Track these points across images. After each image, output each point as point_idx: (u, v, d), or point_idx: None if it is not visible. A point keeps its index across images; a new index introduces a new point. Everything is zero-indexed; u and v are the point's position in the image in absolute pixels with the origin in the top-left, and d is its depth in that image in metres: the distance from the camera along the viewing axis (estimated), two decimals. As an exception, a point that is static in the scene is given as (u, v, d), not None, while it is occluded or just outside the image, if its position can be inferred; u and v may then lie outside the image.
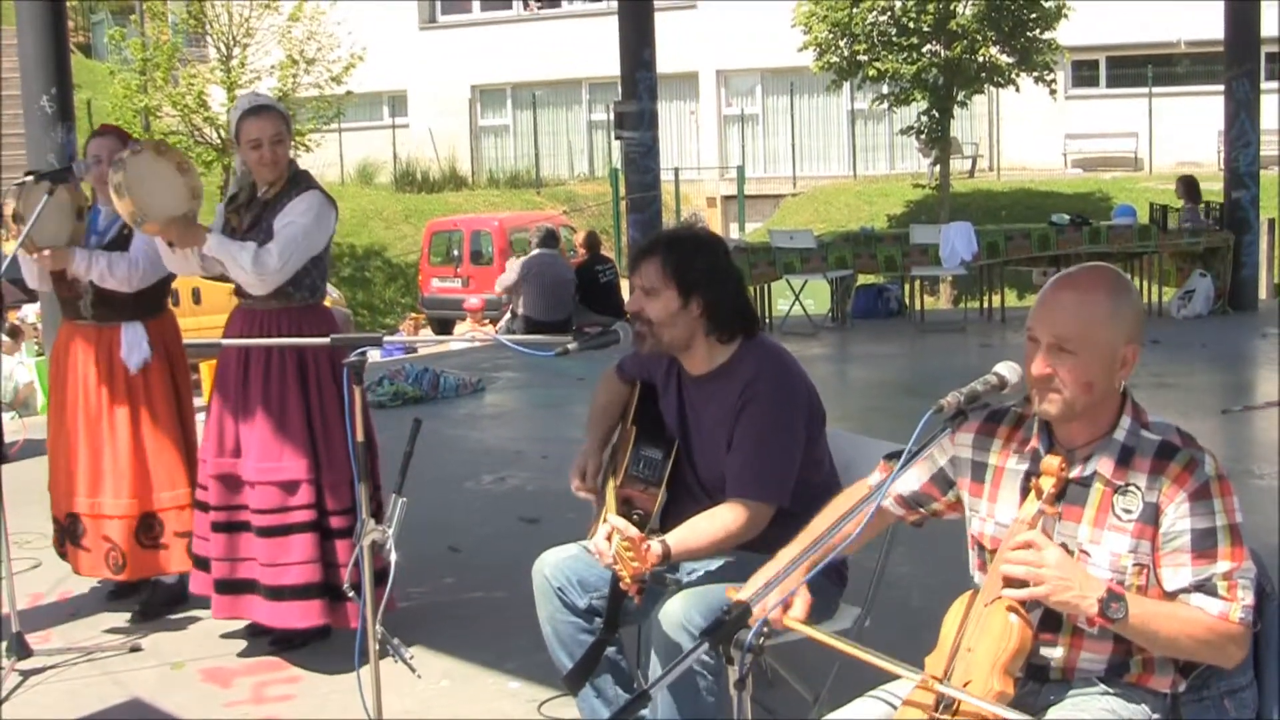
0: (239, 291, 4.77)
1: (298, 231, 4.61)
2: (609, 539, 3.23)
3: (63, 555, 5.27)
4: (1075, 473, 2.54)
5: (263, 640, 4.88)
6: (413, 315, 20.71)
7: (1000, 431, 2.69)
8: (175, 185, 4.67)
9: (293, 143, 4.95)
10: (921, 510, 2.86)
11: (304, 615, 4.63)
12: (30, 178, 4.97)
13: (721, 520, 3.32)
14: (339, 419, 4.68)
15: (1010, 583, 2.48)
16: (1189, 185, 14.67)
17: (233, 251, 4.58)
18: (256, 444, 4.64)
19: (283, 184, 4.72)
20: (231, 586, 4.71)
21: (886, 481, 2.37)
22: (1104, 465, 2.51)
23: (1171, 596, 2.45)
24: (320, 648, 4.79)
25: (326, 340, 3.67)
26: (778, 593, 2.47)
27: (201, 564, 4.83)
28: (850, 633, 3.36)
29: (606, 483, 3.56)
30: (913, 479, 2.82)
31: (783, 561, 2.70)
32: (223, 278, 4.80)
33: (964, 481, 2.74)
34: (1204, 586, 2.42)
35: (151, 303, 5.16)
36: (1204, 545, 2.42)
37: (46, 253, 4.91)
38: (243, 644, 4.92)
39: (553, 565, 3.48)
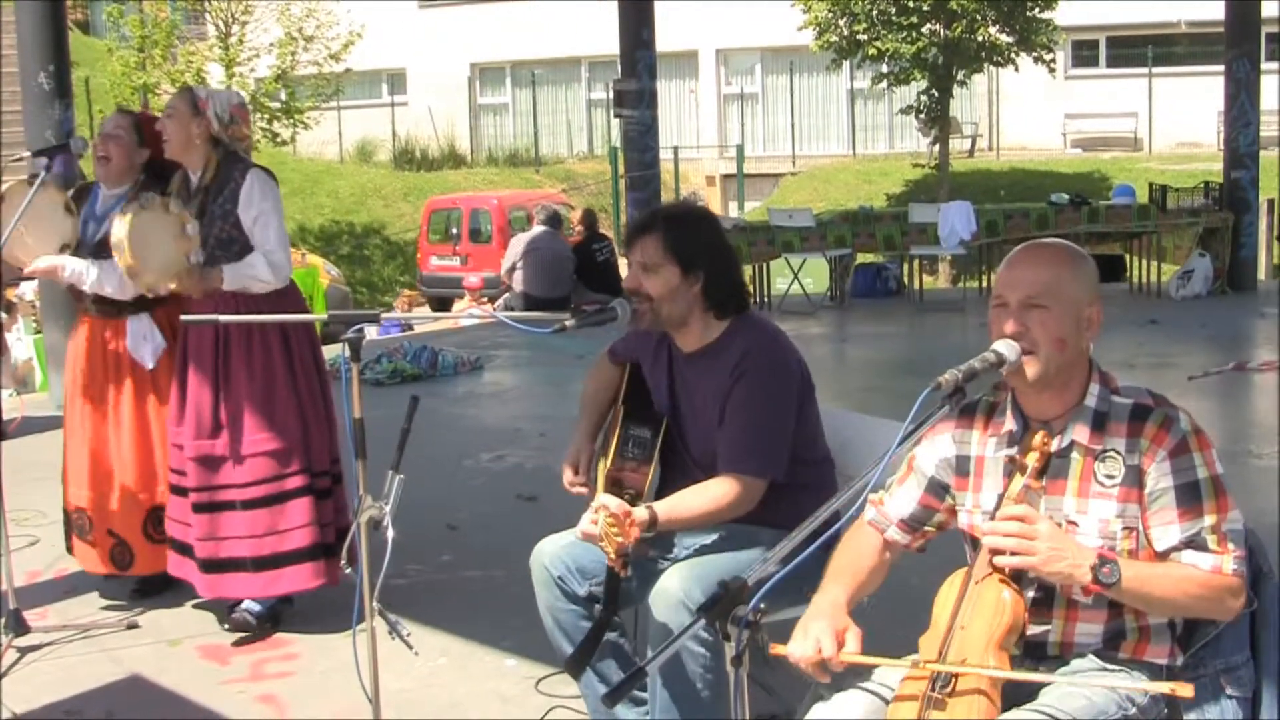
0: None
1: (274, 219, 4.67)
2: (595, 518, 3.19)
3: (70, 550, 5.17)
4: (1053, 446, 2.56)
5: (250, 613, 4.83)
6: (407, 292, 20.64)
7: (976, 423, 2.72)
8: (172, 230, 4.54)
9: (251, 135, 4.83)
10: (925, 529, 2.83)
11: (314, 575, 4.71)
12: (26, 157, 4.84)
13: (712, 493, 3.30)
14: (316, 377, 4.79)
15: (1001, 557, 2.49)
16: None
17: (249, 274, 4.63)
18: (245, 418, 4.66)
19: (215, 167, 4.70)
20: (217, 566, 4.71)
21: (887, 453, 2.32)
22: (1080, 433, 2.54)
23: (1163, 556, 2.47)
24: (317, 625, 4.80)
25: (324, 317, 3.68)
26: (826, 625, 2.53)
27: (178, 547, 4.83)
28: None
29: (598, 466, 3.54)
30: (907, 501, 2.81)
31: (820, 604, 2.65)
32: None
33: (954, 479, 2.75)
34: (1194, 542, 2.45)
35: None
36: (1189, 501, 2.45)
37: (30, 268, 4.81)
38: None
39: (551, 554, 3.44)
